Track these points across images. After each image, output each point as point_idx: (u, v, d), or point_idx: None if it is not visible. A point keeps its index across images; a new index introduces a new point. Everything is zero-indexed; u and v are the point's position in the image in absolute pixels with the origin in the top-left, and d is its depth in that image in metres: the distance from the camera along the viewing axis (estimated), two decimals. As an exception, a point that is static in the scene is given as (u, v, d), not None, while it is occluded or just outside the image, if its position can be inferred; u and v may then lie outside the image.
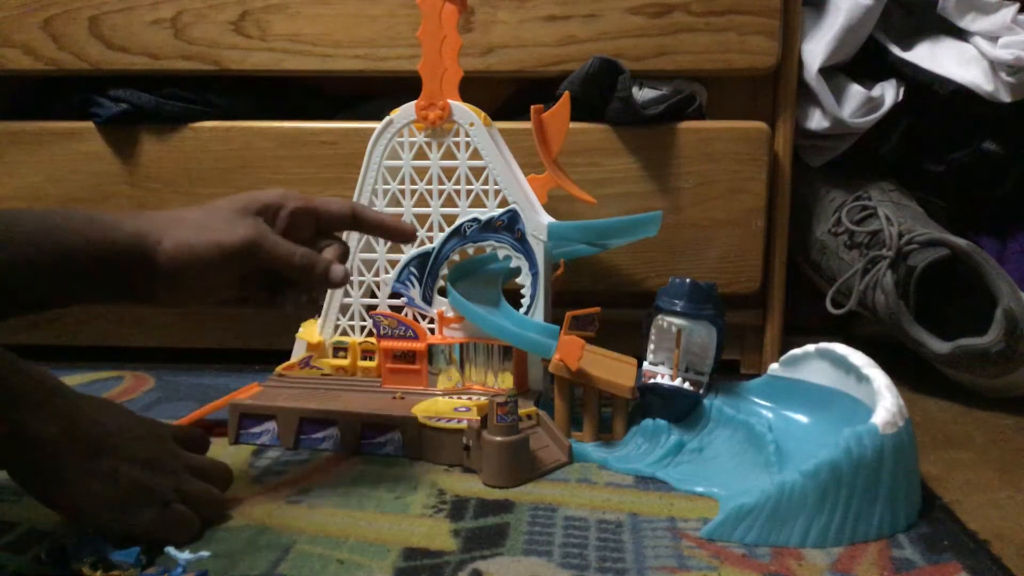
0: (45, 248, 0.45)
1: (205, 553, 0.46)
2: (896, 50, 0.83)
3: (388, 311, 0.69)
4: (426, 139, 0.67)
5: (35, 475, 0.46)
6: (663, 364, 0.67)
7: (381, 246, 0.69)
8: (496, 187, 0.67)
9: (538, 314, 0.67)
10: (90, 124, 0.81)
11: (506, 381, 0.67)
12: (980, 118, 0.82)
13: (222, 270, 0.50)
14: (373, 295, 0.70)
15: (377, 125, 0.68)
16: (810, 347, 0.63)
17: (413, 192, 0.68)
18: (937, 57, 0.81)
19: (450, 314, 0.68)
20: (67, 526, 0.49)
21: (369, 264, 0.69)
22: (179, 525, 0.48)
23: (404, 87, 0.70)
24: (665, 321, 0.66)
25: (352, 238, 0.69)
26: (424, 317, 0.69)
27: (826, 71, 0.81)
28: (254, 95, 0.83)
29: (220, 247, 0.49)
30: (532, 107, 0.68)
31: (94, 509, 0.46)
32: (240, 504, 0.54)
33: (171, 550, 0.45)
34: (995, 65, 0.78)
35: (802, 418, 0.63)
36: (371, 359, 0.70)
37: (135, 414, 0.51)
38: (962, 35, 0.81)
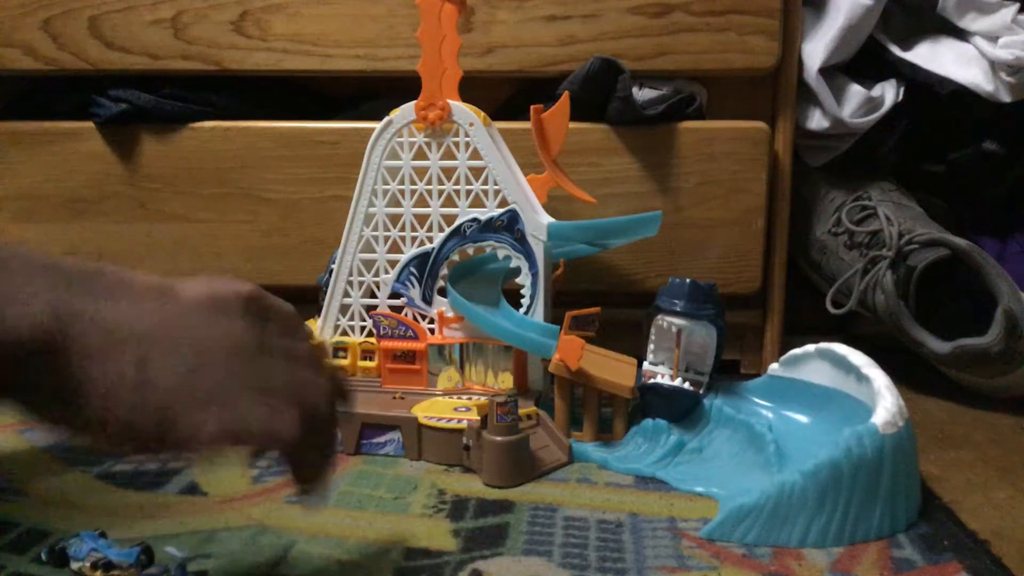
0: None
1: (204, 554, 0.46)
2: (896, 50, 0.83)
3: (388, 311, 0.69)
4: (426, 139, 0.67)
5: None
6: (663, 364, 0.67)
7: (381, 246, 0.69)
8: (496, 187, 0.67)
9: (538, 314, 0.67)
10: (90, 124, 0.81)
11: (506, 381, 0.67)
12: (980, 118, 0.82)
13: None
14: (373, 295, 0.70)
15: (377, 125, 0.68)
16: (810, 347, 0.63)
17: (413, 192, 0.68)
18: (937, 57, 0.81)
19: (450, 314, 0.68)
20: (67, 526, 0.49)
21: (369, 264, 0.69)
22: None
23: (404, 87, 0.70)
24: (665, 321, 0.66)
25: (352, 238, 0.69)
26: (424, 317, 0.69)
27: (826, 71, 0.81)
28: (254, 95, 0.83)
29: (237, 292, 0.55)
30: (532, 107, 0.68)
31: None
32: (240, 504, 0.54)
33: (171, 550, 0.45)
34: (995, 65, 0.78)
35: (802, 418, 0.63)
36: (371, 359, 0.70)
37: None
38: (962, 35, 0.81)
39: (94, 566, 0.43)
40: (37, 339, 0.30)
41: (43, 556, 0.46)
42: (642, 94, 0.78)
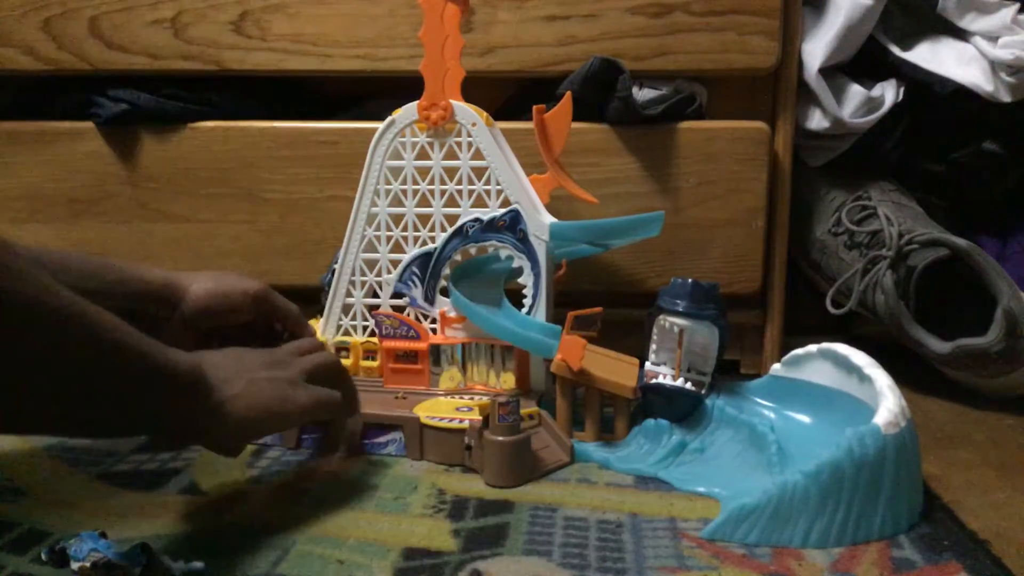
0: (96, 279, 0.59)
1: (198, 564, 0.45)
2: (896, 50, 0.83)
3: (390, 311, 0.69)
4: (428, 139, 0.67)
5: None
6: (665, 364, 0.67)
7: (383, 246, 0.69)
8: (498, 187, 0.67)
9: (540, 314, 0.67)
10: (90, 124, 0.81)
11: (508, 381, 0.67)
12: (980, 118, 0.82)
13: (242, 309, 0.64)
14: (375, 295, 0.70)
15: (378, 125, 0.68)
16: (812, 347, 0.63)
17: (415, 192, 0.68)
18: (937, 57, 0.81)
19: (452, 314, 0.68)
20: (67, 526, 0.49)
21: (371, 264, 0.69)
22: (323, 397, 0.54)
23: (404, 87, 0.70)
24: (667, 321, 0.66)
25: (354, 237, 0.69)
26: (426, 317, 0.69)
27: (826, 71, 0.81)
28: (254, 95, 0.83)
29: (244, 291, 0.65)
30: (534, 107, 0.68)
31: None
32: (240, 504, 0.54)
33: (166, 559, 0.45)
34: (995, 65, 0.78)
35: (804, 418, 0.63)
36: (373, 359, 0.70)
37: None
38: (962, 35, 0.81)
39: (94, 566, 0.43)
40: (192, 374, 0.46)
41: (43, 556, 0.46)
42: (642, 94, 0.78)
